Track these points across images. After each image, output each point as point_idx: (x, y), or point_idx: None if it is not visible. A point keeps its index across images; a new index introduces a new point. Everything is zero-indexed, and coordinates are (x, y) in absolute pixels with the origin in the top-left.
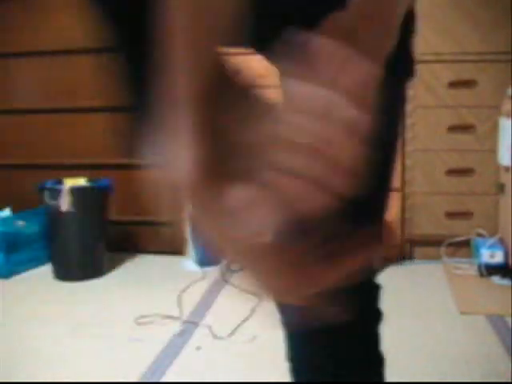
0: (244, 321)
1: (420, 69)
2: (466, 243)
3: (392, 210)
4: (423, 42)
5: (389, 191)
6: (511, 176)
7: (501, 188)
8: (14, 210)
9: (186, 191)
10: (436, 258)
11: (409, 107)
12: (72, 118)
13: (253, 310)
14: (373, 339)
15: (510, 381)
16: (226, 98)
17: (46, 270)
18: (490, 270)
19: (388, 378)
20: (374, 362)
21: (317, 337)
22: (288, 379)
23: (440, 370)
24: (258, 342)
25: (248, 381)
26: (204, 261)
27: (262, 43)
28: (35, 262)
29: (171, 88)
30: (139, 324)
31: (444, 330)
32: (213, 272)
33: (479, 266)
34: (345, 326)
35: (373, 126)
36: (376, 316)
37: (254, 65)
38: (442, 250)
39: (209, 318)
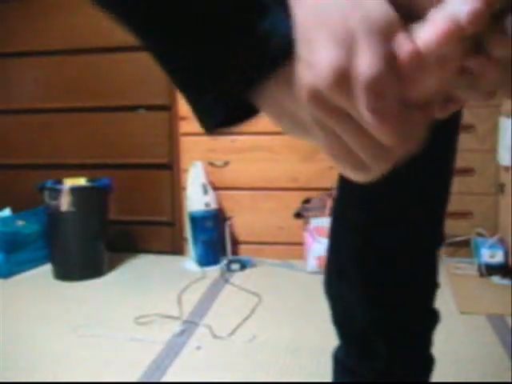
0: (244, 321)
1: None
2: (466, 243)
3: None
4: None
5: None
6: (511, 176)
7: (501, 188)
8: (14, 210)
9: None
10: None
11: None
12: (72, 118)
13: (253, 310)
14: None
15: (510, 381)
16: None
17: (46, 269)
18: (490, 270)
19: None
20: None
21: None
22: (287, 379)
23: (440, 369)
24: (257, 342)
25: (248, 381)
26: (204, 261)
27: None
28: (35, 262)
29: None
30: (139, 324)
31: (444, 330)
32: (213, 272)
33: (479, 266)
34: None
35: None
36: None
37: None
38: (442, 249)
39: (209, 318)
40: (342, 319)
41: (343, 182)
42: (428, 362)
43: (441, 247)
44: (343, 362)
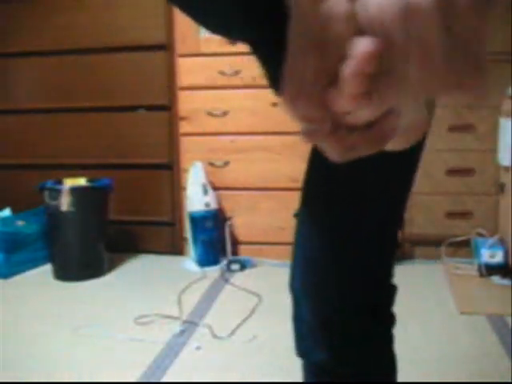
0: (244, 321)
1: None
2: (466, 243)
3: None
4: None
5: None
6: (511, 176)
7: (501, 188)
8: (13, 210)
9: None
10: (436, 257)
11: None
12: (72, 118)
13: (253, 310)
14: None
15: (510, 381)
16: None
17: (46, 269)
18: (490, 270)
19: None
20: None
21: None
22: (287, 379)
23: (440, 369)
24: (257, 342)
25: (248, 381)
26: (204, 261)
27: None
28: (35, 262)
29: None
30: (139, 324)
31: (444, 329)
32: (213, 272)
33: (479, 266)
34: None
35: None
36: (391, 320)
37: None
38: (442, 249)
39: (209, 318)
40: (294, 314)
41: (307, 172)
42: (383, 364)
43: (394, 253)
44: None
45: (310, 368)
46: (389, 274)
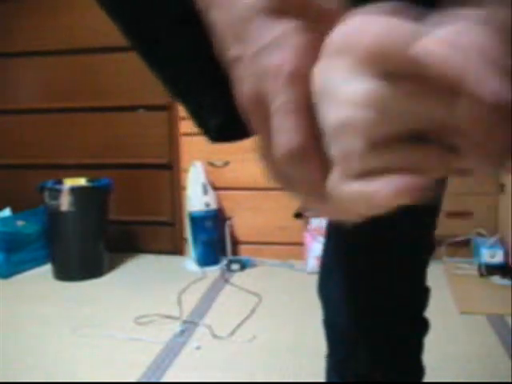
0: (244, 321)
1: None
2: (466, 243)
3: None
4: None
5: None
6: (511, 176)
7: (501, 188)
8: (14, 210)
9: None
10: (436, 257)
11: None
12: (72, 118)
13: (253, 310)
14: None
15: (510, 381)
16: None
17: (46, 269)
18: (490, 269)
19: None
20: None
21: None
22: (287, 379)
23: (440, 369)
24: (257, 342)
25: (248, 381)
26: (204, 261)
27: None
28: (35, 262)
29: None
30: (139, 324)
31: (444, 329)
32: (213, 272)
33: (479, 266)
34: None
35: None
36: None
37: None
38: (442, 249)
39: (209, 318)
40: (327, 320)
41: None
42: (415, 371)
43: (431, 255)
44: (329, 363)
45: (342, 372)
46: (424, 276)
